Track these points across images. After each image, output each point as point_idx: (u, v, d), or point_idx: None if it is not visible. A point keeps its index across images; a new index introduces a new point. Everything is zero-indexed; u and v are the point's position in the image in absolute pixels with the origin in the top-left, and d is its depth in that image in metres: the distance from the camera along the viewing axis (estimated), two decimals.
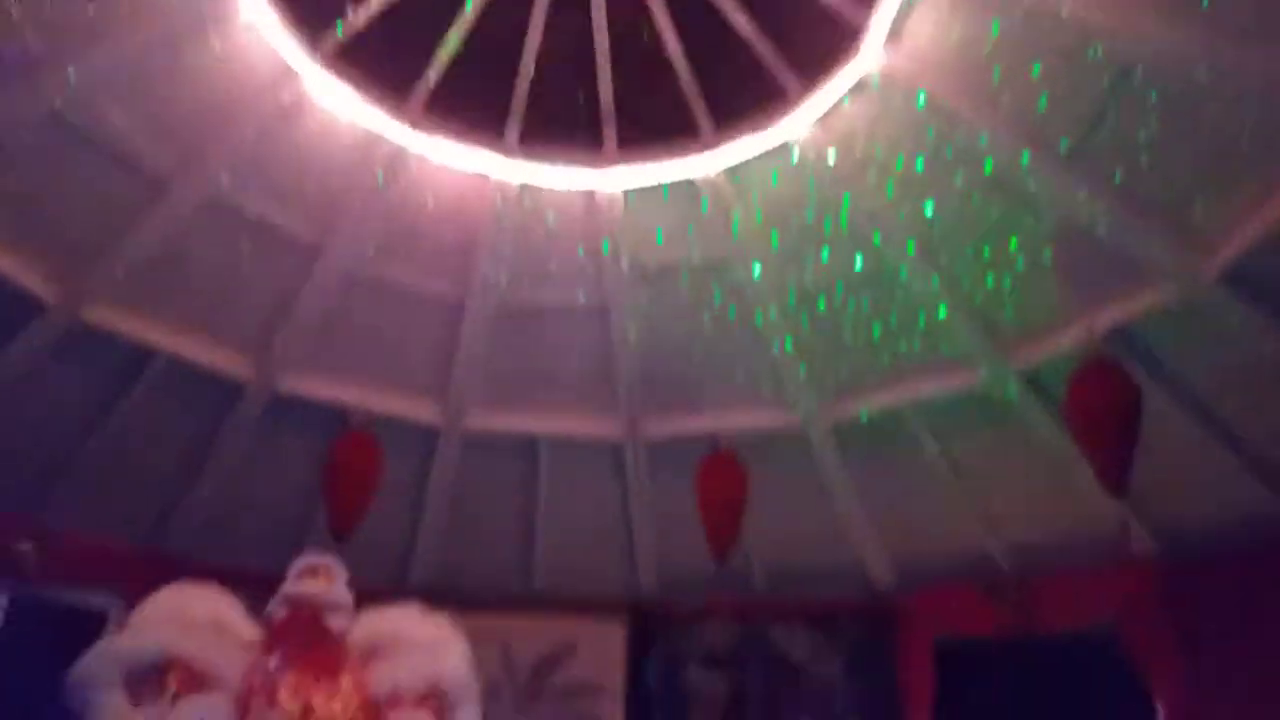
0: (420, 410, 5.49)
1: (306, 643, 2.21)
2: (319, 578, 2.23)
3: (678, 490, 5.27)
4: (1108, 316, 4.33)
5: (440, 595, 5.86)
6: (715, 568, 5.07)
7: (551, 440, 5.66)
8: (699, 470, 5.09)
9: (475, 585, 5.91)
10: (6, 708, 4.63)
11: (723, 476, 5.02)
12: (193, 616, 2.23)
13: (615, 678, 5.87)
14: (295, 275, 4.96)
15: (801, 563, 5.66)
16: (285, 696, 2.08)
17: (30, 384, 4.62)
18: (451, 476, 5.63)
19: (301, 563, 2.28)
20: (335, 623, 2.18)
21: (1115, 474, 3.77)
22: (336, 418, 5.15)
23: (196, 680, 2.04)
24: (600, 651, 5.95)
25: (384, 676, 2.22)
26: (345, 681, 2.21)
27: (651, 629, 5.94)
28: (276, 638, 2.21)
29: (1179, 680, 4.45)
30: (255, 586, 5.36)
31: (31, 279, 4.40)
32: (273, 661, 2.18)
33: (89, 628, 5.04)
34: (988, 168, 4.30)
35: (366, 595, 5.52)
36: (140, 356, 4.85)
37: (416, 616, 2.40)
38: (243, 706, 2.04)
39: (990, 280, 4.68)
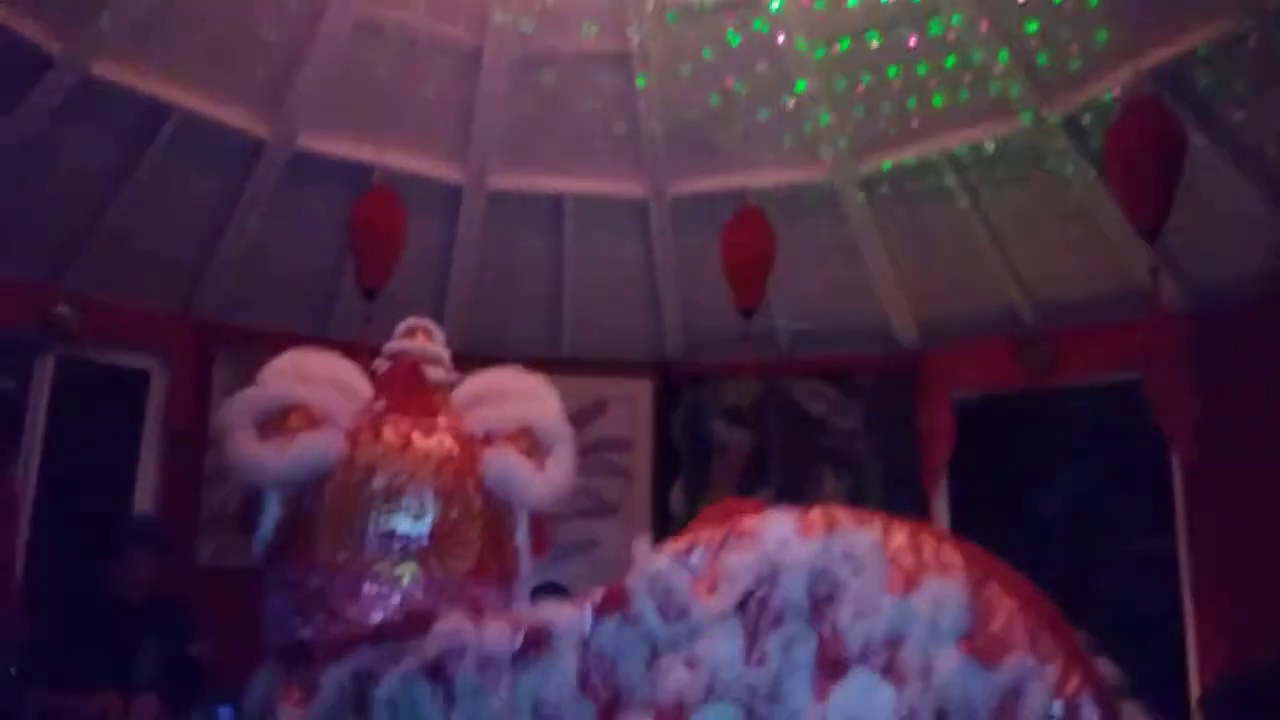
0: (442, 169, 5.41)
1: (407, 390, 2.43)
2: (418, 336, 2.53)
3: (704, 249, 5.26)
4: (1155, 56, 4.14)
5: (471, 359, 6.01)
6: (740, 327, 5.14)
7: (577, 199, 5.59)
8: (725, 227, 5.06)
9: (506, 348, 6.02)
10: (65, 461, 4.86)
11: (749, 232, 4.99)
12: (312, 371, 2.43)
13: (643, 433, 6.08)
14: (306, 24, 4.76)
15: (826, 321, 5.72)
16: (388, 432, 2.30)
17: (47, 146, 4.55)
18: (477, 237, 5.62)
19: (403, 325, 2.60)
20: (432, 374, 2.46)
21: (1150, 218, 3.71)
22: (359, 176, 5.08)
23: (314, 421, 2.27)
24: (629, 409, 6.14)
25: (479, 418, 2.42)
26: (442, 421, 2.39)
27: (678, 387, 6.11)
28: (381, 387, 2.44)
29: (1197, 432, 4.55)
30: (289, 349, 5.57)
31: (34, 30, 4.24)
32: (378, 406, 2.38)
33: (133, 387, 5.24)
34: None
35: None
36: (155, 114, 4.74)
37: (512, 374, 2.68)
38: (352, 441, 2.27)
39: (1033, 23, 4.45)
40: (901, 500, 5.32)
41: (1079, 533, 5.12)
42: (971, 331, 5.36)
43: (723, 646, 1.66)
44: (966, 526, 5.26)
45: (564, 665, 1.81)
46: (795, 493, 5.68)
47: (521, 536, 2.36)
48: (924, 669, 1.55)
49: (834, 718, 1.56)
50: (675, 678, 1.68)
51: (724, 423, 6.01)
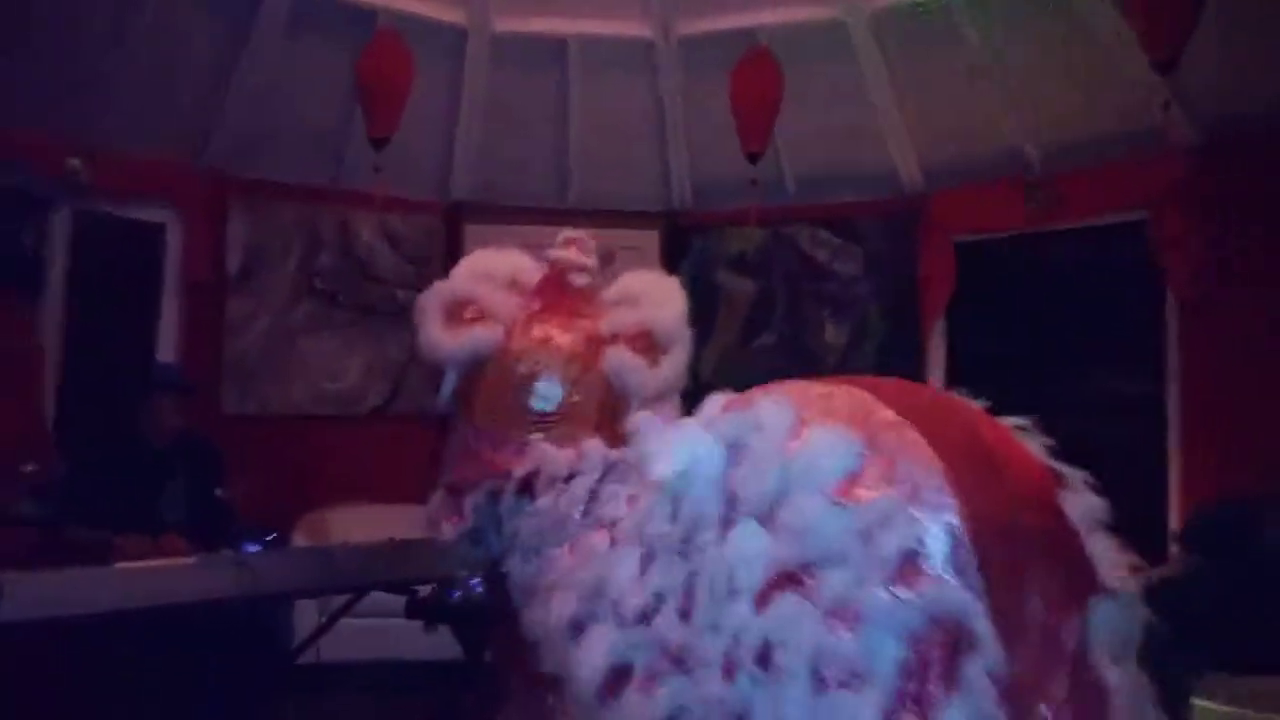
0: (446, 10, 5.32)
1: (556, 294, 2.89)
2: (570, 247, 2.90)
3: (711, 93, 5.20)
4: None
5: (481, 209, 6.09)
6: (747, 174, 5.14)
7: (581, 40, 5.50)
8: (733, 70, 4.99)
9: (514, 198, 6.07)
10: (87, 313, 5.01)
11: (758, 74, 4.93)
12: (494, 269, 2.95)
13: None
14: None
15: (832, 167, 5.69)
16: (535, 330, 2.81)
17: None
18: (483, 83, 5.57)
19: (561, 235, 2.99)
20: (576, 279, 2.89)
21: (1166, 50, 3.64)
22: (364, 20, 5.01)
23: (483, 316, 2.84)
24: (636, 259, 6.16)
25: (609, 321, 2.84)
26: (580, 323, 2.85)
27: (685, 236, 6.15)
28: (537, 290, 2.92)
29: (1196, 271, 4.59)
30: (302, 198, 5.65)
31: None
32: (534, 306, 2.89)
33: (151, 240, 5.34)
34: None
35: (413, 207, 5.83)
36: None
37: (651, 278, 3.04)
38: (508, 334, 2.81)
39: None
40: (900, 344, 5.43)
41: (1070, 373, 5.23)
42: (977, 175, 5.34)
43: (650, 503, 1.91)
44: (962, 369, 5.42)
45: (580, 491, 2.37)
46: (797, 340, 5.81)
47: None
48: (795, 517, 1.65)
49: (720, 564, 1.70)
50: (614, 509, 2.14)
51: (730, 271, 6.08)
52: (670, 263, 6.11)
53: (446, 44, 5.44)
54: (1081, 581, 1.64)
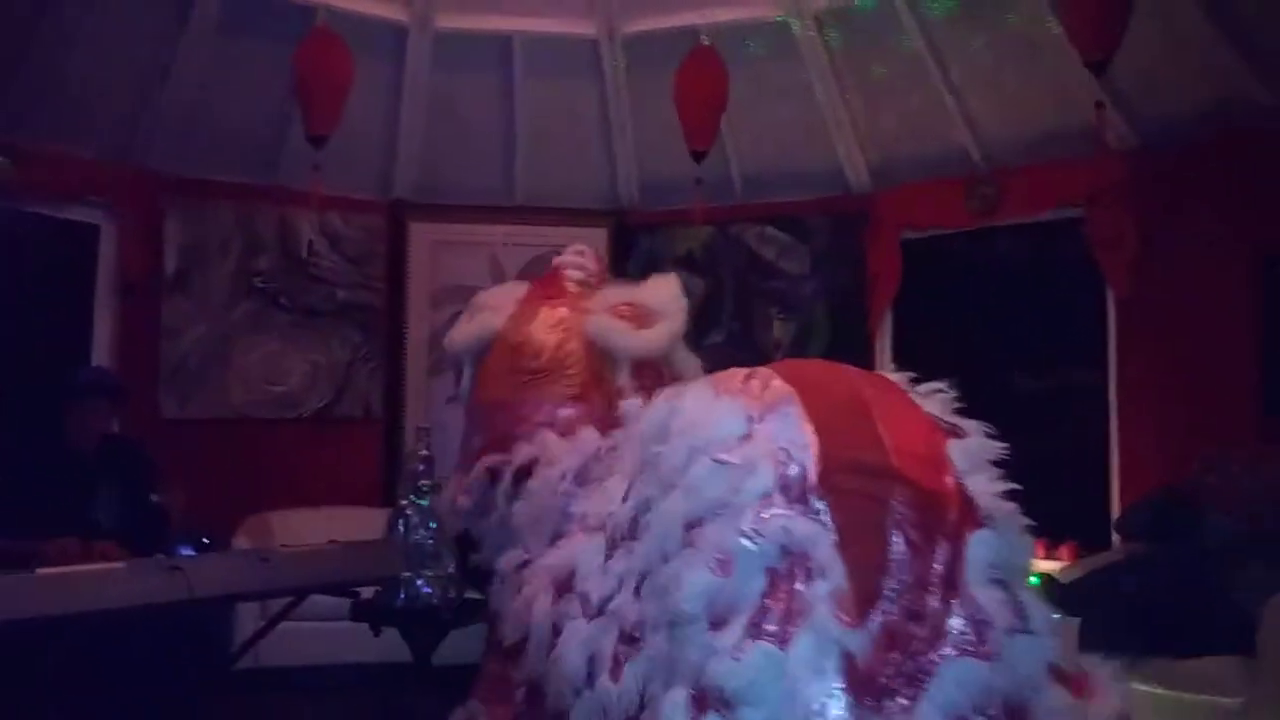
0: (387, 7, 5.26)
1: (549, 285, 3.16)
2: (575, 255, 3.17)
3: (657, 92, 5.19)
4: None
5: (425, 208, 6.03)
6: (694, 173, 5.14)
7: (526, 38, 5.47)
8: (679, 68, 4.99)
9: (459, 196, 6.02)
10: (17, 316, 4.87)
11: (702, 73, 4.93)
12: (505, 290, 3.31)
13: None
14: None
15: (779, 166, 5.72)
16: (525, 310, 3.08)
17: None
18: (425, 81, 5.51)
19: (570, 247, 3.26)
20: (571, 274, 3.12)
21: (1098, 50, 3.70)
22: (302, 18, 4.91)
23: (483, 310, 3.19)
24: None
25: (600, 298, 3.04)
26: (568, 301, 3.07)
27: (633, 235, 6.14)
28: (537, 285, 3.21)
29: (1133, 268, 4.67)
30: (241, 197, 5.55)
31: None
32: (531, 298, 3.15)
33: (82, 240, 5.21)
34: None
35: (355, 206, 5.75)
36: None
37: (657, 279, 3.23)
38: (508, 321, 3.10)
39: None
40: (847, 341, 5.46)
41: (1015, 368, 5.30)
42: (921, 173, 5.39)
43: (611, 483, 2.21)
44: (909, 365, 5.44)
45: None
46: (745, 337, 5.82)
47: (624, 379, 2.89)
48: (690, 480, 1.85)
49: (654, 537, 1.89)
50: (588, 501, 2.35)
51: (678, 270, 6.05)
52: (618, 261, 6.10)
53: (388, 41, 5.37)
54: (955, 516, 1.78)
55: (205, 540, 3.49)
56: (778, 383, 1.92)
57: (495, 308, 3.13)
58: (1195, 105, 4.53)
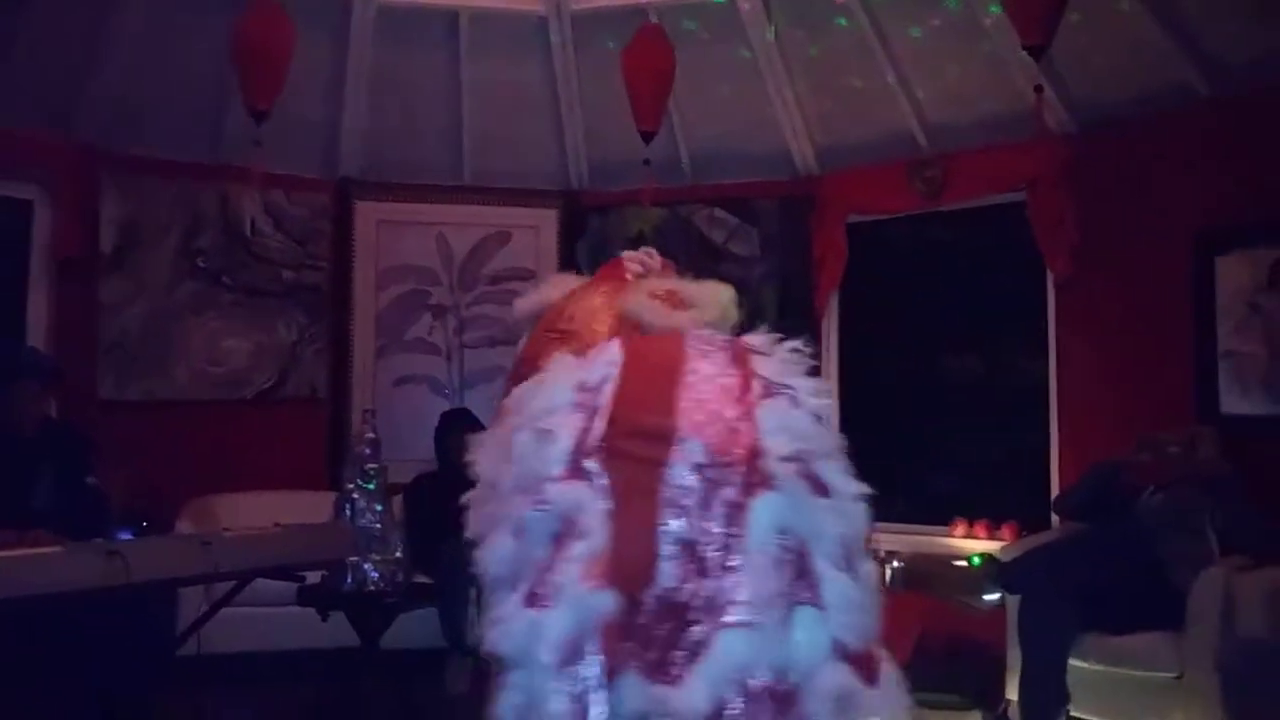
0: None
1: (609, 273, 3.02)
2: (642, 253, 2.97)
3: (606, 71, 5.16)
4: None
5: (371, 187, 5.94)
6: (643, 154, 5.12)
7: (471, 12, 5.38)
8: (625, 48, 4.96)
9: (407, 175, 5.94)
10: None
11: (650, 52, 4.90)
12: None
13: (548, 263, 6.10)
14: None
15: (728, 148, 5.72)
16: (581, 289, 2.91)
17: None
18: (369, 55, 5.41)
19: (642, 249, 3.05)
20: (630, 266, 2.98)
21: (1037, 33, 3.75)
22: None
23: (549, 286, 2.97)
24: (533, 238, 6.14)
25: (642, 284, 2.94)
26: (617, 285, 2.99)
27: (583, 216, 6.11)
28: (596, 278, 3.07)
29: (1072, 250, 4.76)
30: (181, 174, 5.42)
31: None
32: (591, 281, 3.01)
33: (15, 215, 5.06)
34: None
35: (299, 184, 5.65)
36: None
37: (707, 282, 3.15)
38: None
39: None
40: (793, 323, 5.47)
41: (959, 349, 5.38)
42: (868, 157, 5.43)
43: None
44: (854, 348, 5.54)
45: None
46: None
47: None
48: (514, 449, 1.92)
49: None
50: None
51: (628, 250, 6.04)
52: (568, 242, 6.08)
53: (331, 14, 5.26)
54: (741, 479, 1.76)
55: (145, 524, 3.42)
56: (614, 352, 1.98)
57: (558, 284, 3.27)
58: (1133, 90, 4.61)
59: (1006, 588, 3.98)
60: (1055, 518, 4.56)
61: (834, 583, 1.72)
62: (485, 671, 2.11)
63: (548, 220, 6.11)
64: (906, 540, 4.93)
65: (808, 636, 1.67)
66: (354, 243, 5.88)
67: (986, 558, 4.21)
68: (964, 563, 4.32)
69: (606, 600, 1.67)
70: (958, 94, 5.10)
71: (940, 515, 5.07)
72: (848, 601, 1.72)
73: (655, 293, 3.01)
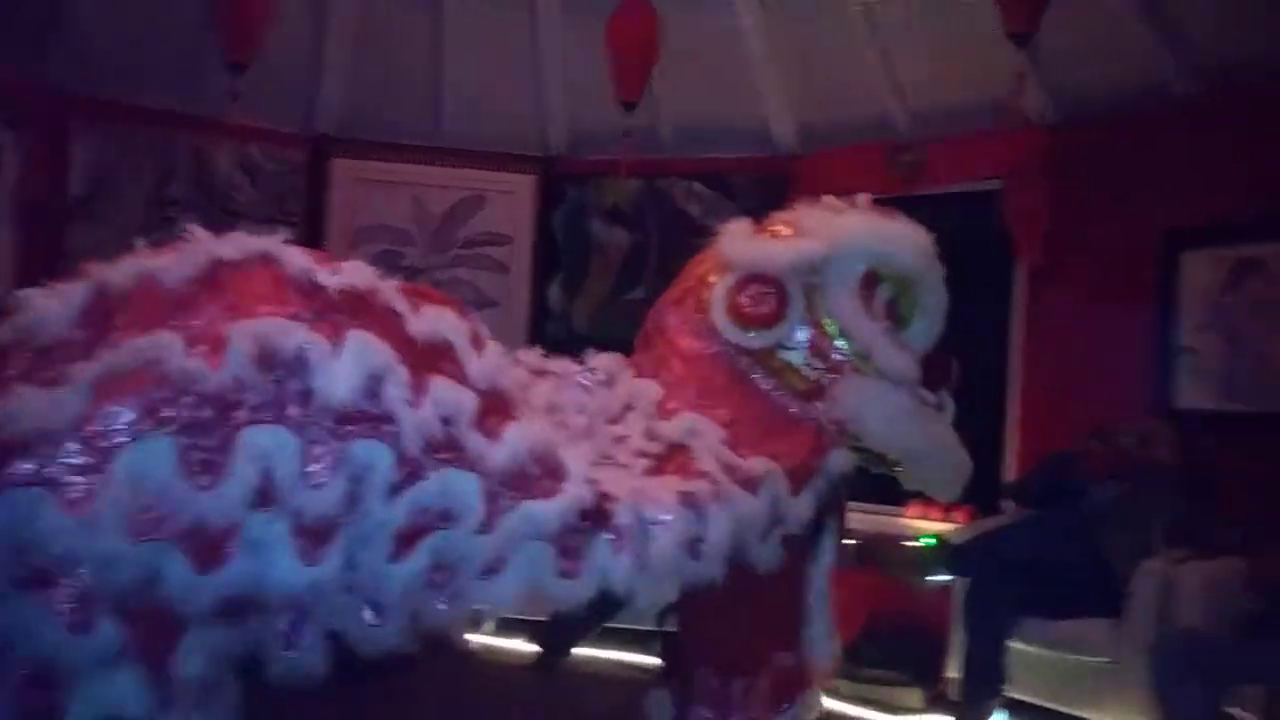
0: None
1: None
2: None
3: (590, 40, 5.13)
4: None
5: (348, 144, 5.90)
6: (624, 124, 5.11)
7: None
8: (611, 15, 4.93)
9: (385, 133, 5.90)
10: None
11: (635, 21, 4.88)
12: None
13: (524, 229, 6.10)
14: None
15: (709, 122, 5.71)
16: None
17: None
18: (353, 11, 5.38)
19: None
20: None
21: (1023, 21, 3.74)
22: None
23: None
24: (509, 203, 6.12)
25: None
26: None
27: (560, 184, 6.09)
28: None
29: (1045, 241, 4.78)
30: (154, 122, 5.37)
31: None
32: None
33: None
34: None
35: (275, 139, 5.61)
36: None
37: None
38: None
39: None
40: None
41: None
42: (848, 138, 5.43)
43: None
44: None
45: None
46: None
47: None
48: None
49: None
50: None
51: (604, 222, 6.05)
52: (544, 210, 6.06)
53: None
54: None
55: None
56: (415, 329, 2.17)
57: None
58: (1115, 85, 4.62)
59: (954, 570, 4.04)
60: (1008, 503, 4.61)
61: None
62: None
63: (524, 186, 6.09)
64: (862, 520, 4.96)
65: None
66: (329, 200, 5.85)
67: (938, 539, 4.26)
68: (916, 543, 4.36)
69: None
70: (940, 77, 5.09)
71: (896, 496, 5.10)
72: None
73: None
